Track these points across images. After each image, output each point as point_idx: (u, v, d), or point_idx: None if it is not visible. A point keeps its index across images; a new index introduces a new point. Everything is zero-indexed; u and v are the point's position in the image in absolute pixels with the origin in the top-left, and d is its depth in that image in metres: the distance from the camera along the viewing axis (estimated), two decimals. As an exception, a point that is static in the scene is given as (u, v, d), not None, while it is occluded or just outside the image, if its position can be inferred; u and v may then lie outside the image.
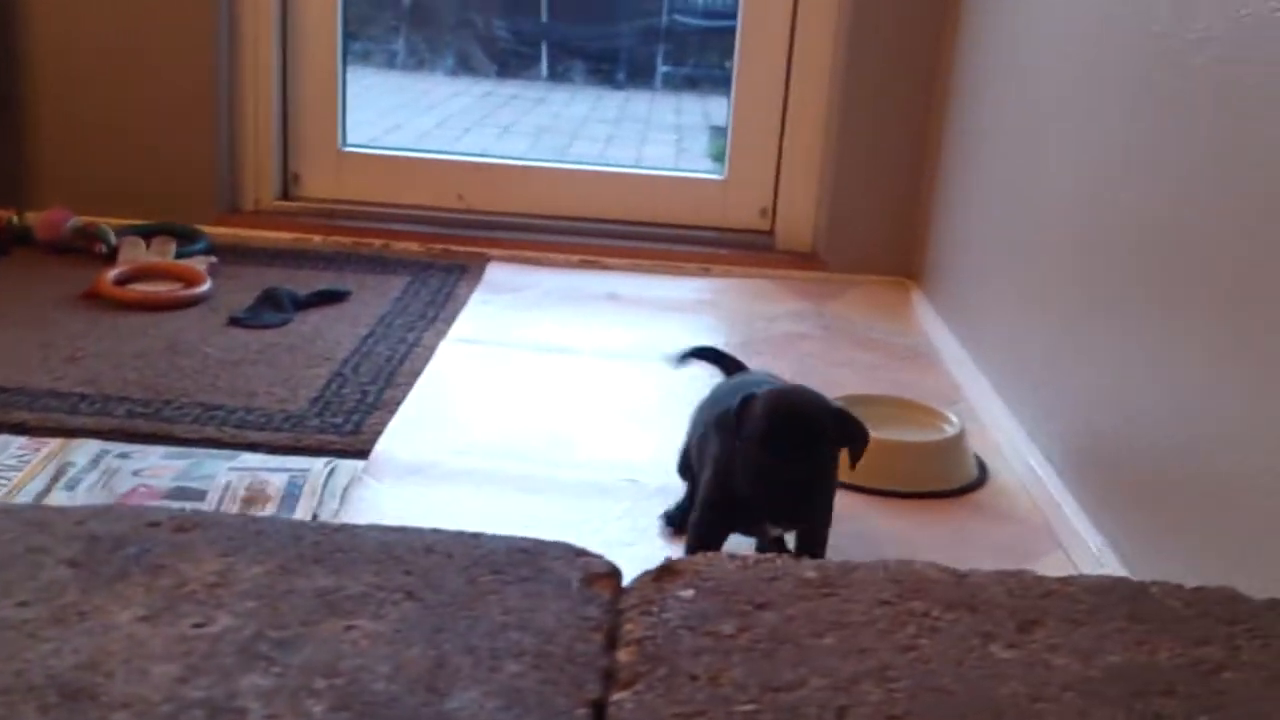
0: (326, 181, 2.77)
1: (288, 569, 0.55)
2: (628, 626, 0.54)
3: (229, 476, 1.61)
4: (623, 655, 0.51)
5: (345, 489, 1.62)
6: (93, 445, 1.67)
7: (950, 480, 1.75)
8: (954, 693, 0.49)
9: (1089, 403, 1.61)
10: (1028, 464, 1.76)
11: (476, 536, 0.59)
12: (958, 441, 1.78)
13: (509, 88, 5.15)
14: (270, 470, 1.65)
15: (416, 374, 2.02)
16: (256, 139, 2.70)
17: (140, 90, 2.60)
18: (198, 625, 0.50)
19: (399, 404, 1.89)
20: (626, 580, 0.57)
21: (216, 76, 2.62)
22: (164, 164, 2.62)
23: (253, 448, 1.70)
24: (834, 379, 2.13)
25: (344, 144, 2.79)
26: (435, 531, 0.60)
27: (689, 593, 0.56)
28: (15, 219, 2.48)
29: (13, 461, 1.62)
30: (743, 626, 0.53)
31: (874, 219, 2.66)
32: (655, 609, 0.54)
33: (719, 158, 4.08)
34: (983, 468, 1.81)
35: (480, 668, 0.49)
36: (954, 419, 1.84)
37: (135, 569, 0.54)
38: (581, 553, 0.59)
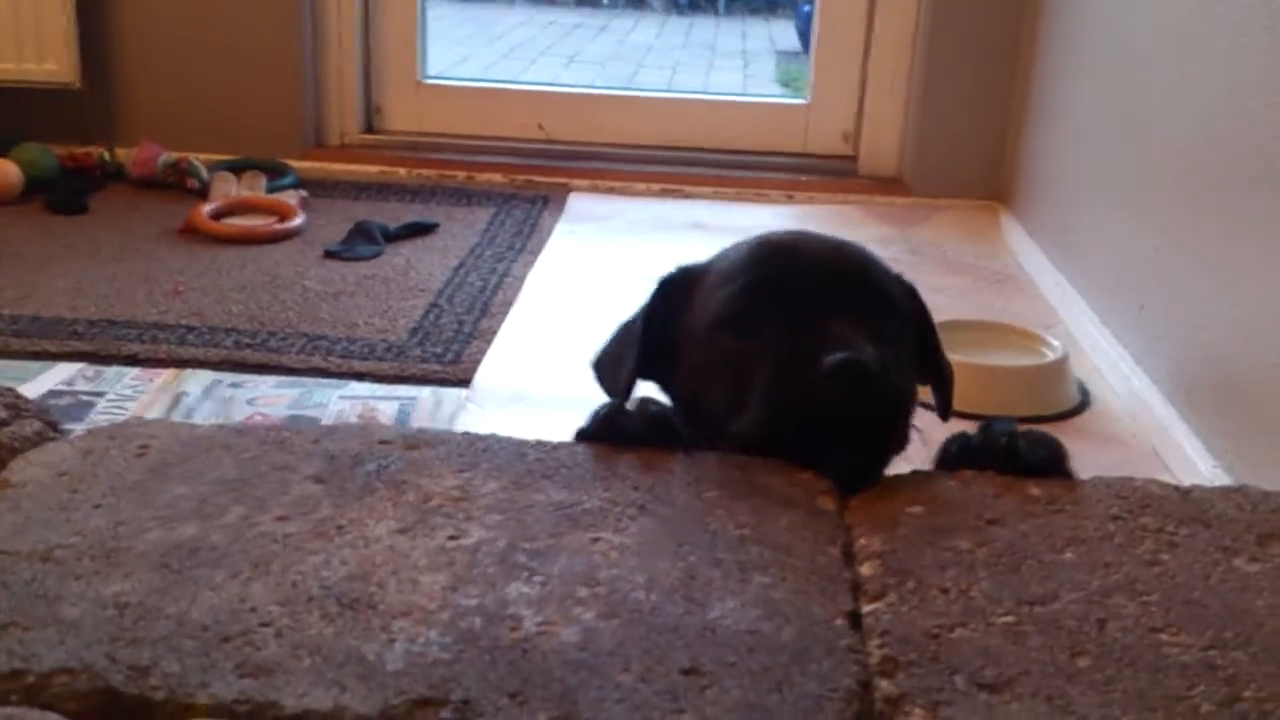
0: (408, 114, 2.77)
1: (521, 484, 0.56)
2: (862, 541, 0.54)
3: (341, 405, 1.63)
4: (865, 569, 0.52)
5: (452, 416, 1.63)
6: (205, 375, 1.70)
7: (1054, 404, 1.73)
8: (1208, 605, 0.49)
9: (1201, 322, 1.58)
10: (1131, 387, 1.73)
11: (691, 455, 0.60)
12: (1061, 365, 1.76)
13: (573, 16, 5.10)
14: (379, 399, 1.67)
15: (509, 304, 2.03)
16: (340, 73, 2.69)
17: (226, 27, 2.60)
18: (453, 537, 0.51)
19: (495, 333, 1.90)
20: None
21: (300, 11, 2.61)
22: (251, 99, 2.62)
23: (359, 377, 1.72)
24: (927, 305, 2.11)
25: (424, 76, 2.78)
26: (650, 453, 0.60)
27: (918, 509, 0.56)
28: (107, 155, 2.51)
29: (128, 391, 1.65)
30: (979, 542, 0.53)
31: (961, 141, 2.61)
32: (887, 524, 0.55)
33: (787, 83, 4.03)
34: (1085, 392, 1.78)
35: (730, 579, 0.49)
36: (1055, 343, 1.81)
37: (379, 484, 0.55)
38: (797, 469, 0.59)
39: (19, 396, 0.61)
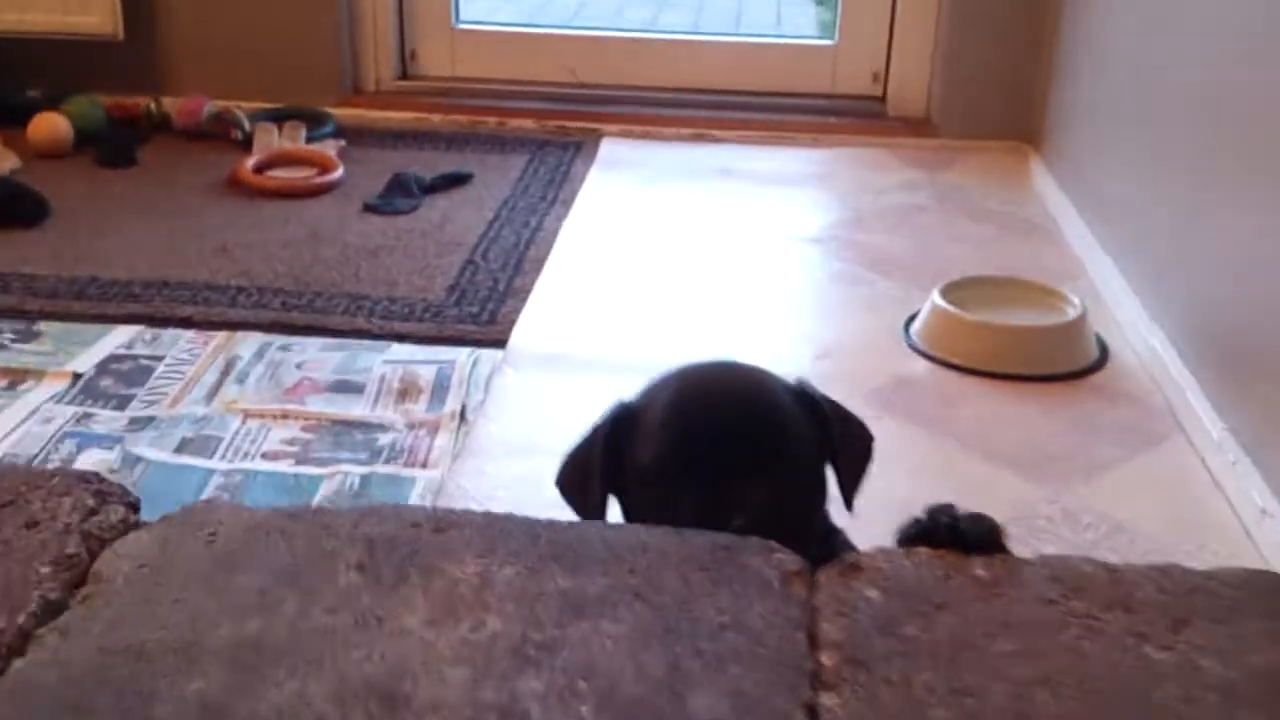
0: (442, 59, 2.81)
1: (534, 569, 0.64)
2: (824, 626, 0.62)
3: (384, 369, 1.72)
4: (825, 658, 0.60)
5: (488, 379, 1.72)
6: (255, 338, 1.79)
7: (1072, 362, 1.77)
8: (1114, 697, 0.56)
9: (1219, 281, 1.59)
10: (1150, 344, 1.76)
11: (681, 534, 0.68)
12: (1080, 324, 1.80)
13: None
14: (419, 363, 1.75)
15: (542, 259, 2.10)
16: (375, 16, 2.73)
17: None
18: (474, 629, 0.60)
19: (529, 292, 1.97)
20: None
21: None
22: (290, 46, 2.67)
23: (400, 338, 1.80)
24: (949, 255, 2.15)
25: (458, 20, 2.81)
26: (647, 529, 0.68)
27: (875, 593, 0.64)
28: (153, 106, 2.57)
29: (185, 355, 1.74)
30: (925, 628, 0.61)
31: (991, 80, 2.61)
32: (848, 610, 0.63)
33: (822, 2, 3.97)
34: (1103, 348, 1.82)
35: (708, 669, 0.58)
36: (1075, 300, 1.84)
37: (412, 571, 0.64)
38: (775, 549, 0.67)
39: (103, 480, 0.70)
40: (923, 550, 0.68)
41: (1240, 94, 1.57)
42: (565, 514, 0.96)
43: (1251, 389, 1.48)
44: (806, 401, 0.91)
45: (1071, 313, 1.83)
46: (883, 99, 2.75)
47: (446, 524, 0.67)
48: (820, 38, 2.85)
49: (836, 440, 0.91)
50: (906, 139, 2.67)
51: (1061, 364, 1.77)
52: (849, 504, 0.91)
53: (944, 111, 2.66)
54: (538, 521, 0.69)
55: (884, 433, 1.58)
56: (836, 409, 0.94)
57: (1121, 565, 0.65)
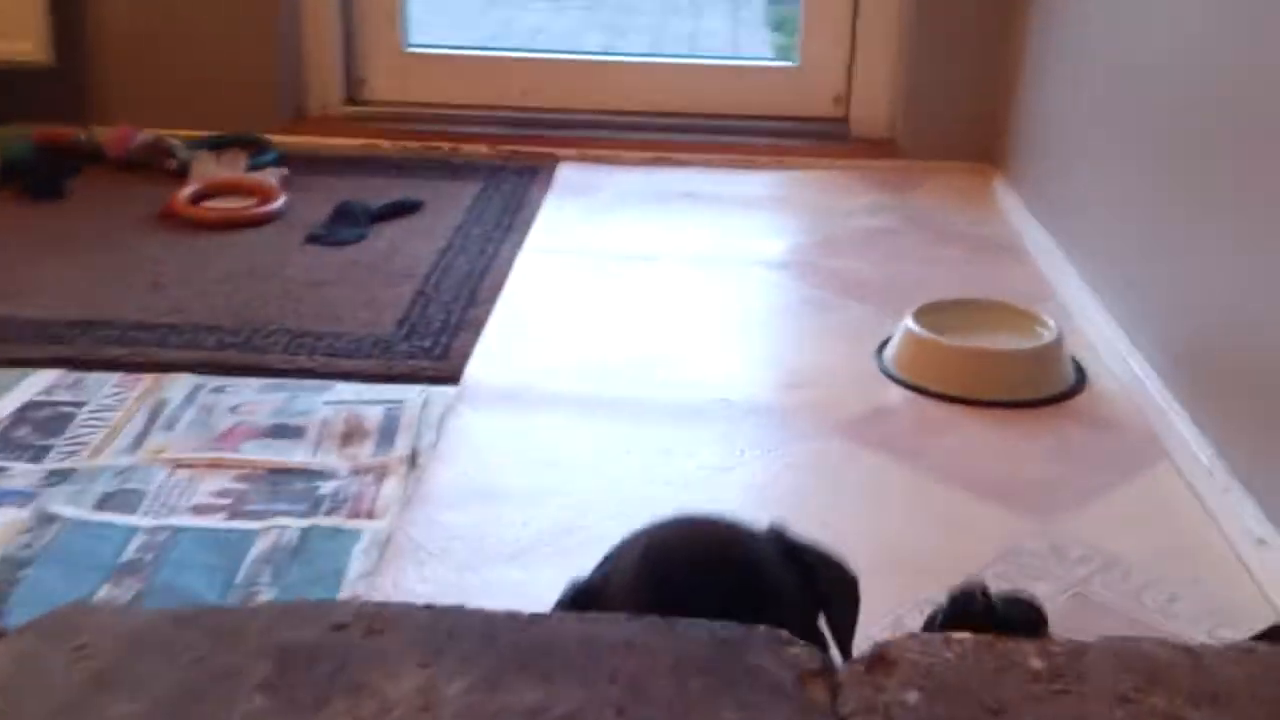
0: (392, 83, 2.71)
1: (491, 681, 0.53)
2: None
3: (326, 411, 1.61)
4: (858, 785, 0.50)
5: (441, 419, 1.61)
6: (187, 380, 1.67)
7: (1050, 387, 1.71)
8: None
9: (1195, 298, 1.54)
10: (1128, 366, 1.70)
11: (673, 626, 0.57)
12: (1057, 346, 1.73)
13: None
14: (365, 403, 1.64)
15: (497, 289, 2.00)
16: (320, 41, 2.62)
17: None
18: None
19: (483, 324, 1.87)
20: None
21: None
22: (229, 71, 2.56)
23: (346, 377, 1.69)
24: (918, 278, 2.08)
25: (408, 44, 2.71)
26: (631, 620, 0.58)
27: (913, 696, 0.53)
28: (84, 136, 2.45)
29: (109, 401, 1.62)
30: None
31: (953, 101, 2.56)
32: (882, 719, 0.52)
33: (779, 26, 3.94)
34: (1080, 371, 1.76)
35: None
36: (1050, 322, 1.79)
37: (335, 691, 0.52)
38: (787, 641, 0.56)
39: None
40: (964, 636, 0.58)
41: (1206, 110, 1.53)
42: (530, 572, 0.85)
43: (1238, 411, 1.42)
44: (784, 548, 0.83)
45: (1048, 335, 1.77)
46: (845, 120, 2.68)
47: (381, 624, 0.56)
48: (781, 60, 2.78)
49: (821, 585, 0.83)
50: (870, 160, 2.60)
51: (1040, 389, 1.71)
52: (845, 652, 0.82)
53: (907, 133, 2.60)
54: (495, 616, 0.58)
55: (859, 465, 1.53)
56: (816, 552, 0.86)
57: (1198, 646, 0.56)
